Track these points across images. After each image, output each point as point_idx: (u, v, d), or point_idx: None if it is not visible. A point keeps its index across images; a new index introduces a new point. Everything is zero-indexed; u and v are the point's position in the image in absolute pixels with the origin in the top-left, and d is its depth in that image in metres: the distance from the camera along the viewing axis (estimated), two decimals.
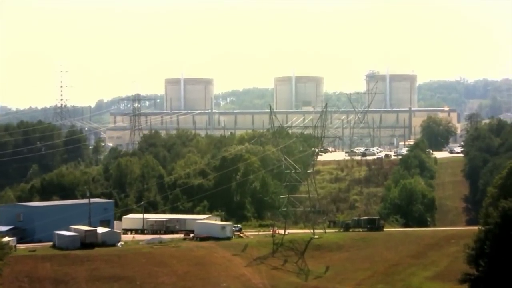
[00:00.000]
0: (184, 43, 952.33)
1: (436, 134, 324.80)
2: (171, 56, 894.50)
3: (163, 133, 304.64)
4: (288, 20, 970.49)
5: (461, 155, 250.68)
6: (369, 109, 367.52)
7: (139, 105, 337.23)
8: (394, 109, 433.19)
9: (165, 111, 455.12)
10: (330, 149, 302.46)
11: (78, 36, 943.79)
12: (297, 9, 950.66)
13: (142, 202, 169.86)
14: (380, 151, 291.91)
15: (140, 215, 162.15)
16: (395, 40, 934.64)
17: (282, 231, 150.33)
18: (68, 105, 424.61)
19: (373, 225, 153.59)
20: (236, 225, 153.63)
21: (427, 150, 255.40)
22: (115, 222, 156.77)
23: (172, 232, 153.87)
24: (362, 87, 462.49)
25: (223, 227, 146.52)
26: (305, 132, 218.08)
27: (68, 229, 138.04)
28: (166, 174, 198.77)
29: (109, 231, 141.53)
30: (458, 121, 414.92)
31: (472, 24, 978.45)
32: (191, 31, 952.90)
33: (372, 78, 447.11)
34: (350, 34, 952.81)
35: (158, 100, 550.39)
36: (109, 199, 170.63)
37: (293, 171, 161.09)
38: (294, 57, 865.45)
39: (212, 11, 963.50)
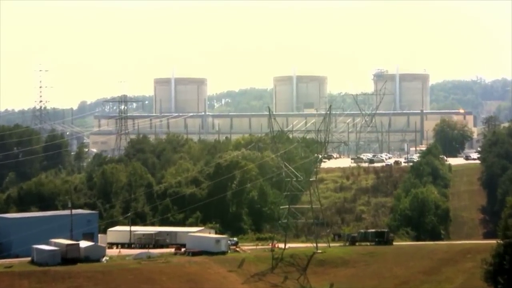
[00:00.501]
0: (175, 40, 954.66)
1: (450, 139, 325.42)
2: (160, 54, 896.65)
3: (152, 137, 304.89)
4: (288, 15, 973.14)
5: (477, 161, 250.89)
6: (377, 112, 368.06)
7: (125, 107, 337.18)
8: (404, 111, 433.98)
9: (154, 114, 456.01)
10: (334, 155, 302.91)
11: (59, 32, 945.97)
12: (298, 3, 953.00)
13: (129, 214, 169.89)
14: (389, 158, 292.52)
15: (127, 228, 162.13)
16: (405, 36, 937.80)
17: (282, 245, 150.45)
18: (48, 107, 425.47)
19: (382, 239, 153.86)
20: (232, 239, 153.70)
21: (441, 156, 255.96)
22: (99, 235, 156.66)
23: (161, 246, 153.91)
24: (369, 88, 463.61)
25: (217, 241, 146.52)
26: (307, 137, 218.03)
27: (48, 243, 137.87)
28: (155, 183, 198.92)
29: (92, 245, 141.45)
30: (475, 125, 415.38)
31: (489, 20, 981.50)
32: (183, 27, 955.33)
33: (380, 77, 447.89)
34: (356, 30, 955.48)
35: (146, 102, 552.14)
36: (92, 210, 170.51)
37: (294, 179, 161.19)
38: (295, 55, 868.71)
39: (205, 5, 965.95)
